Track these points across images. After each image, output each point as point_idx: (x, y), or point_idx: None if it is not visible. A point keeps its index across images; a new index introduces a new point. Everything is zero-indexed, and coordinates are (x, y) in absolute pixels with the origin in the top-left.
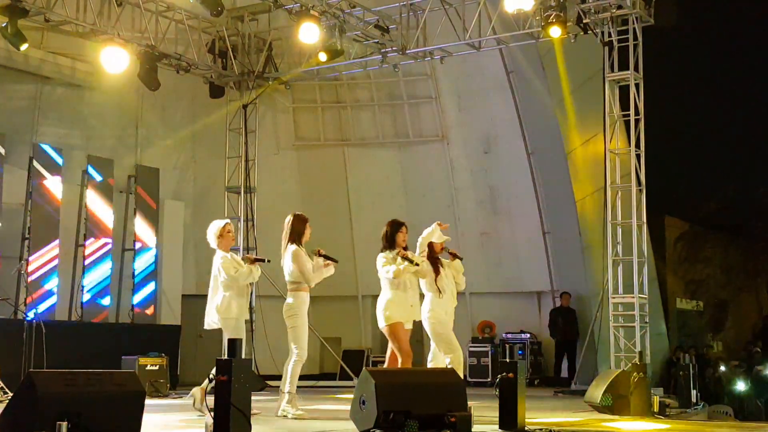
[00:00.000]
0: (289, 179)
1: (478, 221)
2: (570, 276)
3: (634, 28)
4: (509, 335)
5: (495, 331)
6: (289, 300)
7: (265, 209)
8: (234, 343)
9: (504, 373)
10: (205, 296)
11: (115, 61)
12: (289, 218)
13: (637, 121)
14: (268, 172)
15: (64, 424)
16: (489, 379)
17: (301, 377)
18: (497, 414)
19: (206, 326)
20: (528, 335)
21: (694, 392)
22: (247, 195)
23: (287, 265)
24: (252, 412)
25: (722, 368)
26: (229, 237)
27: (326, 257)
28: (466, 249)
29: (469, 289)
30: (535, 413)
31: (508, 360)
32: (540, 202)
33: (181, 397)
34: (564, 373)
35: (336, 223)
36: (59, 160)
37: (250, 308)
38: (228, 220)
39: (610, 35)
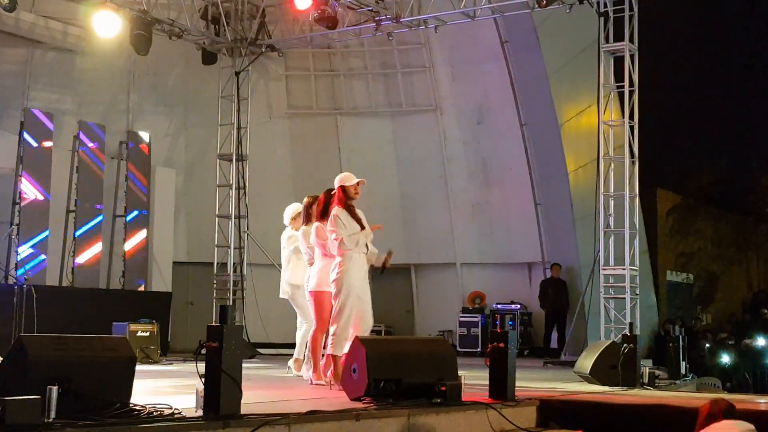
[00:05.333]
0: (281, 147)
1: (469, 192)
2: (561, 247)
3: None
4: (500, 306)
5: (485, 301)
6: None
7: (256, 177)
8: (225, 310)
9: (494, 344)
10: (195, 263)
11: (107, 25)
12: (307, 199)
13: (631, 92)
14: (260, 140)
15: (55, 388)
16: (479, 350)
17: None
18: (487, 384)
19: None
20: (518, 306)
21: (683, 364)
22: (238, 163)
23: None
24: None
25: (709, 341)
26: (299, 220)
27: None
28: (458, 220)
29: (461, 260)
30: (525, 383)
31: (498, 330)
32: (532, 174)
33: (172, 364)
34: (554, 344)
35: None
36: (50, 126)
37: (241, 276)
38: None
39: (605, 5)
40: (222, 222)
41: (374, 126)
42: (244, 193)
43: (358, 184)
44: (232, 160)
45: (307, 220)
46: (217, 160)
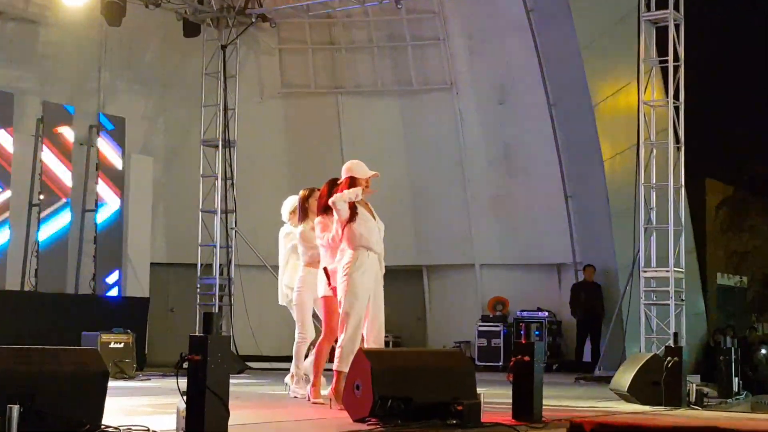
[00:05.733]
0: (273, 132)
1: (490, 183)
2: (595, 246)
3: None
4: (524, 313)
5: (508, 308)
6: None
7: (246, 166)
8: (210, 318)
9: (518, 356)
10: (175, 264)
11: None
12: (303, 192)
13: (676, 68)
14: (249, 124)
15: (16, 407)
16: (501, 363)
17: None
18: (510, 402)
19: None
20: (546, 313)
21: (735, 380)
22: (225, 150)
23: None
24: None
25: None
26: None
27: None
28: (477, 215)
29: (479, 261)
30: (553, 402)
31: (523, 341)
32: (562, 162)
33: (149, 380)
34: (587, 357)
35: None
36: (9, 107)
37: (228, 279)
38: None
39: None
40: (206, 217)
41: (380, 107)
42: (232, 184)
43: (368, 179)
44: (217, 147)
45: (303, 216)
46: (201, 147)
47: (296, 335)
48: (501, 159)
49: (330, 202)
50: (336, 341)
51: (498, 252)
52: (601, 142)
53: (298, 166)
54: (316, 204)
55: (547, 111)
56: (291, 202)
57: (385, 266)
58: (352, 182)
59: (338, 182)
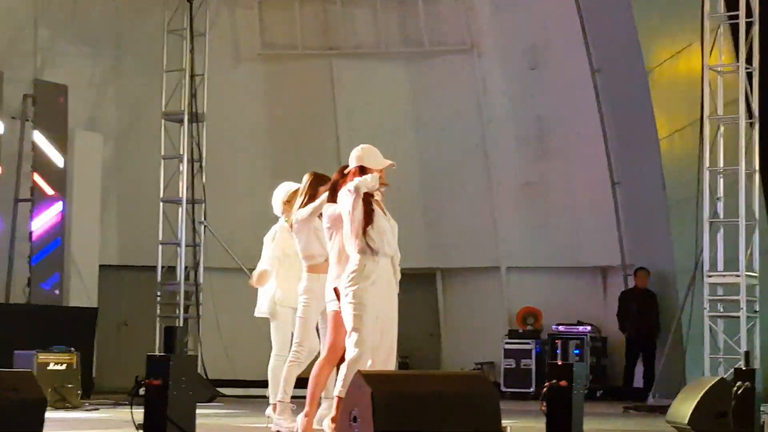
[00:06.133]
0: (252, 103)
1: (519, 167)
2: (649, 245)
3: None
4: (561, 328)
5: (541, 321)
6: None
7: (218, 146)
8: (172, 334)
9: (553, 381)
10: (131, 267)
11: None
12: (308, 177)
13: (748, 25)
14: (222, 93)
15: None
16: (532, 389)
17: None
18: None
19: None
20: (588, 328)
21: None
22: (192, 125)
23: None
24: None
25: None
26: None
27: None
28: (503, 206)
29: (506, 263)
30: None
31: (559, 362)
32: (608, 141)
33: (98, 409)
34: (638, 382)
35: (318, 167)
36: None
37: (196, 285)
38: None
39: None
40: (169, 209)
41: (384, 73)
42: (200, 168)
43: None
44: (182, 122)
45: (305, 203)
46: (162, 122)
47: (290, 354)
48: (533, 138)
49: (352, 186)
50: (339, 363)
51: (529, 252)
52: (656, 116)
53: (283, 146)
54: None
55: (589, 79)
56: (285, 189)
57: None
58: (363, 173)
59: (346, 171)
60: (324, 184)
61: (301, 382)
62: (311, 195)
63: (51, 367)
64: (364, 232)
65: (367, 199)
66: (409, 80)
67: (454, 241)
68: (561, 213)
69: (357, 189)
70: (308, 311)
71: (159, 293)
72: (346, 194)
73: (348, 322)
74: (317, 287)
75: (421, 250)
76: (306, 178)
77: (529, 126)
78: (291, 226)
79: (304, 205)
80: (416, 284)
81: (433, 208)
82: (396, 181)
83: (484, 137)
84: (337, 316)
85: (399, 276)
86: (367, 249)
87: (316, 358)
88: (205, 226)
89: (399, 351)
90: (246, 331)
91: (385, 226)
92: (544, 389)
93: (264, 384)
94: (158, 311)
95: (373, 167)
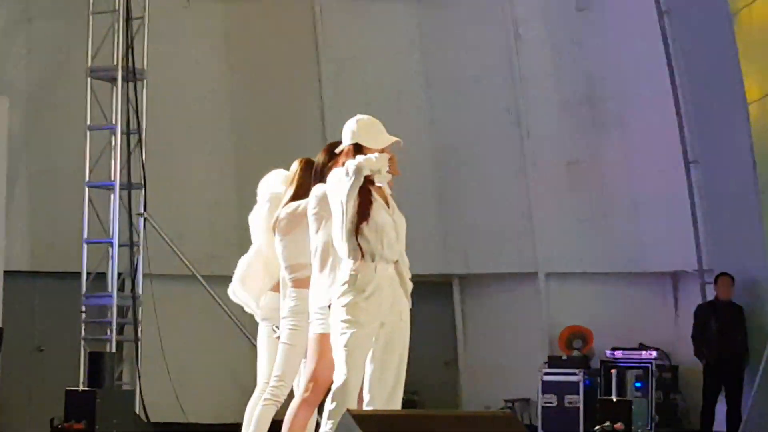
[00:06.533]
0: (208, 56)
1: (563, 141)
2: (734, 244)
3: None
4: (618, 353)
5: (591, 345)
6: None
7: (162, 111)
8: (100, 361)
9: (606, 424)
10: (46, 274)
11: None
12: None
13: None
14: (168, 43)
15: None
16: None
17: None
18: None
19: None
20: (653, 353)
21: None
22: (127, 85)
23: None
24: None
25: None
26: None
27: None
28: (542, 193)
29: (546, 268)
30: None
31: (614, 399)
32: (680, 106)
33: None
34: (720, 425)
35: (296, 140)
36: None
37: (134, 297)
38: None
39: None
40: (97, 196)
41: (384, 15)
42: (139, 141)
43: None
44: (115, 80)
45: (293, 199)
46: (88, 81)
47: (268, 390)
48: (581, 102)
49: (353, 166)
50: (324, 401)
51: (575, 254)
52: (744, 73)
53: (248, 114)
54: None
55: (656, 22)
56: (276, 176)
57: None
58: (359, 153)
59: (336, 151)
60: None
61: (277, 425)
62: (301, 184)
63: None
64: (356, 231)
65: (366, 185)
66: (417, 25)
67: (476, 239)
68: (618, 201)
69: (358, 170)
70: (296, 337)
71: (84, 308)
72: (340, 177)
73: (337, 347)
74: (307, 308)
75: (433, 251)
76: (295, 166)
77: (577, 86)
78: (273, 228)
79: (294, 198)
80: (427, 296)
81: (450, 197)
82: (401, 162)
83: (518, 101)
84: (322, 340)
85: (410, 286)
86: (359, 252)
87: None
88: (145, 220)
89: (405, 384)
90: (200, 358)
91: (386, 221)
92: None
93: (226, 429)
94: (82, 332)
95: (373, 146)
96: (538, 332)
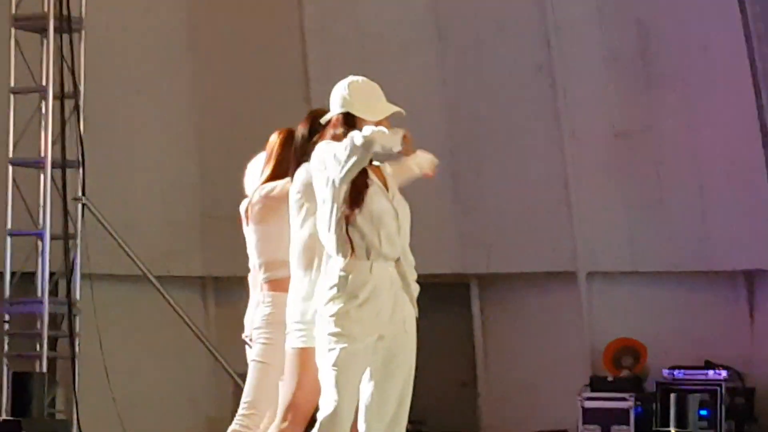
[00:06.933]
0: (165, 3)
1: (609, 106)
2: None
3: None
4: (678, 373)
5: (645, 362)
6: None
7: (104, 71)
8: (26, 384)
9: None
10: None
11: None
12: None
13: None
14: None
15: None
16: None
17: None
18: None
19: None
20: (723, 373)
21: None
22: (60, 37)
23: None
24: None
25: None
26: None
27: None
28: (582, 174)
29: (588, 266)
30: None
31: (673, 430)
32: (757, 63)
33: None
34: None
35: (274, 106)
36: None
37: (69, 303)
38: None
39: None
40: (24, 177)
41: None
42: (76, 108)
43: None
44: (45, 31)
45: (272, 178)
46: (12, 32)
47: (236, 420)
48: (632, 56)
49: (360, 138)
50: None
51: (625, 249)
52: None
53: (213, 73)
54: None
55: None
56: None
57: None
58: (351, 124)
59: (322, 121)
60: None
61: None
62: (280, 161)
63: None
64: (346, 220)
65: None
66: None
67: (500, 230)
68: (678, 184)
69: (367, 144)
70: (271, 353)
71: (7, 317)
72: (332, 150)
73: (324, 367)
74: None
75: (446, 245)
76: (274, 138)
77: (626, 37)
78: (246, 213)
79: (272, 177)
80: (439, 302)
81: (467, 177)
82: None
83: (552, 57)
84: (303, 356)
85: (416, 290)
86: (349, 247)
87: None
88: (84, 206)
89: (410, 411)
90: (152, 379)
91: (385, 209)
92: None
93: None
94: (5, 347)
95: (369, 117)
96: (577, 346)
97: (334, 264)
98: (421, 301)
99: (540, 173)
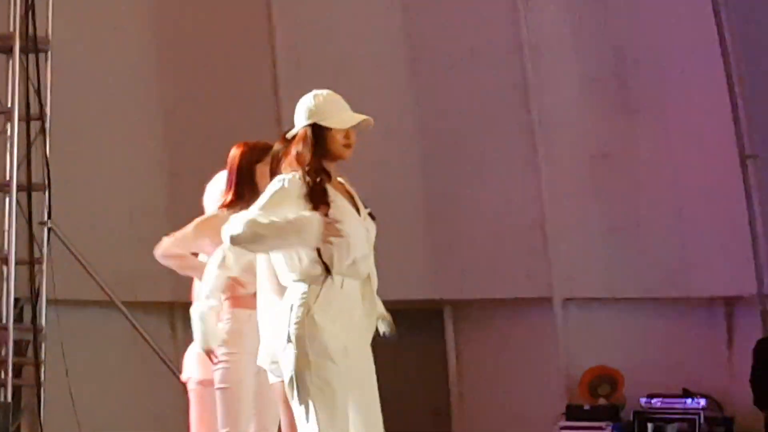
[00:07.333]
0: (129, 18)
1: (585, 130)
2: None
3: None
4: (656, 402)
5: (622, 390)
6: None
7: (71, 93)
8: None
9: None
10: None
11: None
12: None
13: None
14: (78, 2)
15: None
16: None
17: None
18: None
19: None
20: (701, 402)
21: None
22: (27, 57)
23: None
24: None
25: None
26: None
27: None
28: (557, 195)
29: (563, 292)
30: None
31: None
32: (735, 85)
33: None
34: None
35: (244, 128)
36: None
37: (35, 330)
38: None
39: None
40: None
41: None
42: (43, 130)
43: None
44: (11, 51)
45: (236, 196)
46: None
47: None
48: (608, 77)
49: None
50: None
51: (601, 274)
52: None
53: (182, 94)
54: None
55: None
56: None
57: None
58: (319, 136)
59: (288, 136)
60: (262, 159)
61: None
62: (240, 182)
63: None
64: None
65: (320, 182)
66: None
67: (474, 255)
68: (656, 208)
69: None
70: (233, 374)
71: None
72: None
73: (294, 393)
74: (248, 332)
75: (419, 270)
76: (232, 154)
77: (603, 59)
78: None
79: (232, 201)
80: (413, 327)
81: (440, 200)
82: (377, 155)
83: (527, 78)
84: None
85: (381, 314)
86: (320, 267)
87: None
88: (50, 230)
89: None
90: (121, 408)
91: (357, 228)
92: None
93: None
94: None
95: (337, 125)
96: (553, 374)
97: (298, 288)
98: (395, 326)
99: (515, 197)
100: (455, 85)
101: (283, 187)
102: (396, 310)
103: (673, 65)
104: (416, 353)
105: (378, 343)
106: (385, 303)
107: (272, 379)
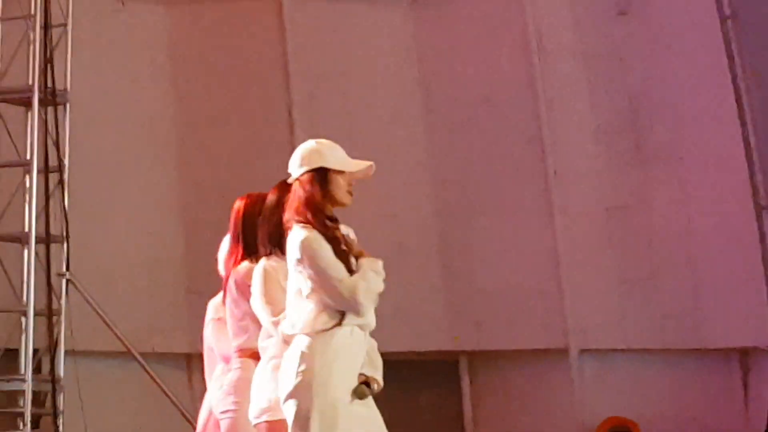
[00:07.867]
0: (147, 71)
1: (600, 182)
2: None
3: None
4: None
5: None
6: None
7: (90, 144)
8: None
9: None
10: None
11: None
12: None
13: None
14: (96, 55)
15: None
16: None
17: None
18: None
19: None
20: None
21: None
22: (46, 110)
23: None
24: None
25: None
26: None
27: None
28: (572, 247)
29: (579, 344)
30: None
31: None
32: (750, 136)
33: None
34: None
35: (260, 180)
36: None
37: (53, 382)
38: None
39: None
40: (6, 252)
41: (371, 19)
42: (61, 182)
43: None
44: (29, 105)
45: (246, 253)
46: None
47: None
48: (623, 129)
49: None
50: None
51: (617, 325)
52: None
53: (199, 145)
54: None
55: (717, 29)
56: None
57: (385, 355)
58: (324, 181)
59: (289, 181)
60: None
61: None
62: (245, 236)
63: None
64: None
65: (333, 231)
66: (413, 33)
67: (490, 306)
68: (671, 258)
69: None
70: (241, 426)
71: None
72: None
73: None
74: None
75: (435, 321)
76: (236, 207)
77: (617, 110)
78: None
79: (239, 257)
80: (429, 378)
81: (456, 251)
82: (393, 206)
83: (542, 130)
84: (272, 429)
85: (379, 365)
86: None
87: None
88: (68, 282)
89: None
90: None
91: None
92: None
93: None
94: None
95: (345, 169)
96: (569, 425)
97: (303, 340)
98: (410, 378)
99: (530, 248)
100: (471, 137)
101: (322, 247)
102: (413, 361)
103: (688, 115)
104: (432, 404)
105: (394, 394)
106: (401, 354)
107: (265, 415)
